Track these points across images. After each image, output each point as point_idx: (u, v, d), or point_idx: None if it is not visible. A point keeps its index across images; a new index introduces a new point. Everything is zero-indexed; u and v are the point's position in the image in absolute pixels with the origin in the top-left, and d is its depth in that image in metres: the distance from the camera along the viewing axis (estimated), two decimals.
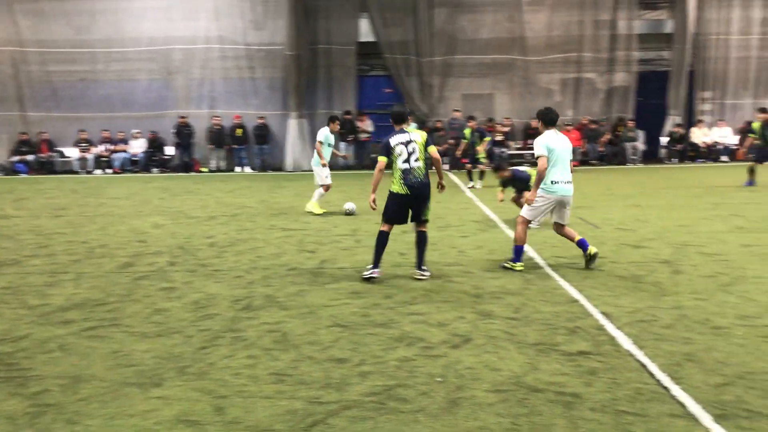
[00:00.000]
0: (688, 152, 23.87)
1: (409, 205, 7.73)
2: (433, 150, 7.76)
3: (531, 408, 4.43)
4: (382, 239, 7.79)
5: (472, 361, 5.24)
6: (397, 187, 7.65)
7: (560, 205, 8.13)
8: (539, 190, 7.99)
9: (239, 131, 23.35)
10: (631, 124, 23.67)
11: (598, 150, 23.43)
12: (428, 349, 5.52)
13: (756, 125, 14.07)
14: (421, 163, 7.65)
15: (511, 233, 10.48)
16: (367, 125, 23.49)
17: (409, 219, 7.89)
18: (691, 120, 24.51)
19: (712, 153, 23.67)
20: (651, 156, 24.03)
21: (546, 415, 4.33)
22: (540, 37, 24.05)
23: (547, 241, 9.82)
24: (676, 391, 4.62)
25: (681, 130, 23.79)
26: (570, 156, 8.15)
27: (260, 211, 13.52)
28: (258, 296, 7.21)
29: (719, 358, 5.21)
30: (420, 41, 23.75)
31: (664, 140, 24.05)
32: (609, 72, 24.30)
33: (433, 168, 7.97)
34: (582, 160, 22.92)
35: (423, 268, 7.92)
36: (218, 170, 23.72)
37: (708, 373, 4.93)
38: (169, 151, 23.77)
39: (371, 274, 7.78)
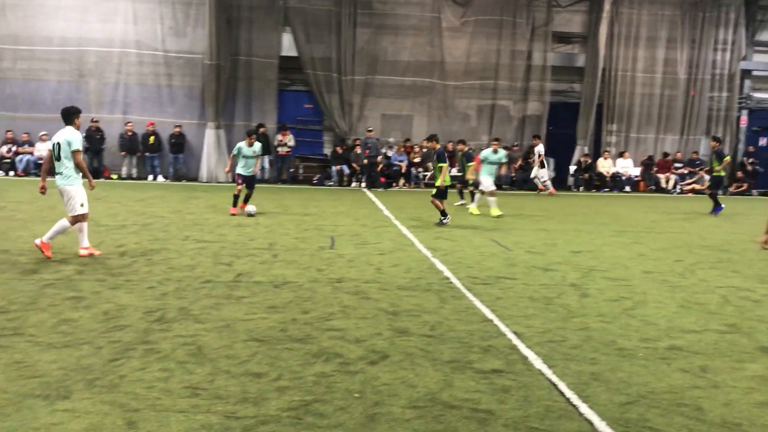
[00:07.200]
0: (594, 181, 24.99)
1: None
2: None
3: (446, 424, 4.51)
4: None
5: (388, 378, 5.29)
6: None
7: None
8: None
9: (152, 139, 22.75)
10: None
11: (510, 175, 24.14)
12: (346, 365, 5.54)
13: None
14: None
15: (426, 252, 10.66)
16: (288, 139, 23.33)
17: None
18: (597, 150, 25.73)
19: (615, 183, 24.91)
20: (559, 183, 24.99)
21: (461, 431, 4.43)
22: (459, 62, 24.69)
23: (462, 262, 10.03)
24: (584, 408, 4.82)
25: (588, 160, 24.91)
26: None
27: (173, 222, 13.18)
28: (171, 308, 7.03)
29: (623, 377, 5.47)
30: (342, 59, 23.89)
31: (572, 169, 25.09)
32: (523, 101, 25.23)
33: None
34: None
35: None
36: (129, 178, 22.97)
37: (613, 392, 5.16)
38: None
39: None
